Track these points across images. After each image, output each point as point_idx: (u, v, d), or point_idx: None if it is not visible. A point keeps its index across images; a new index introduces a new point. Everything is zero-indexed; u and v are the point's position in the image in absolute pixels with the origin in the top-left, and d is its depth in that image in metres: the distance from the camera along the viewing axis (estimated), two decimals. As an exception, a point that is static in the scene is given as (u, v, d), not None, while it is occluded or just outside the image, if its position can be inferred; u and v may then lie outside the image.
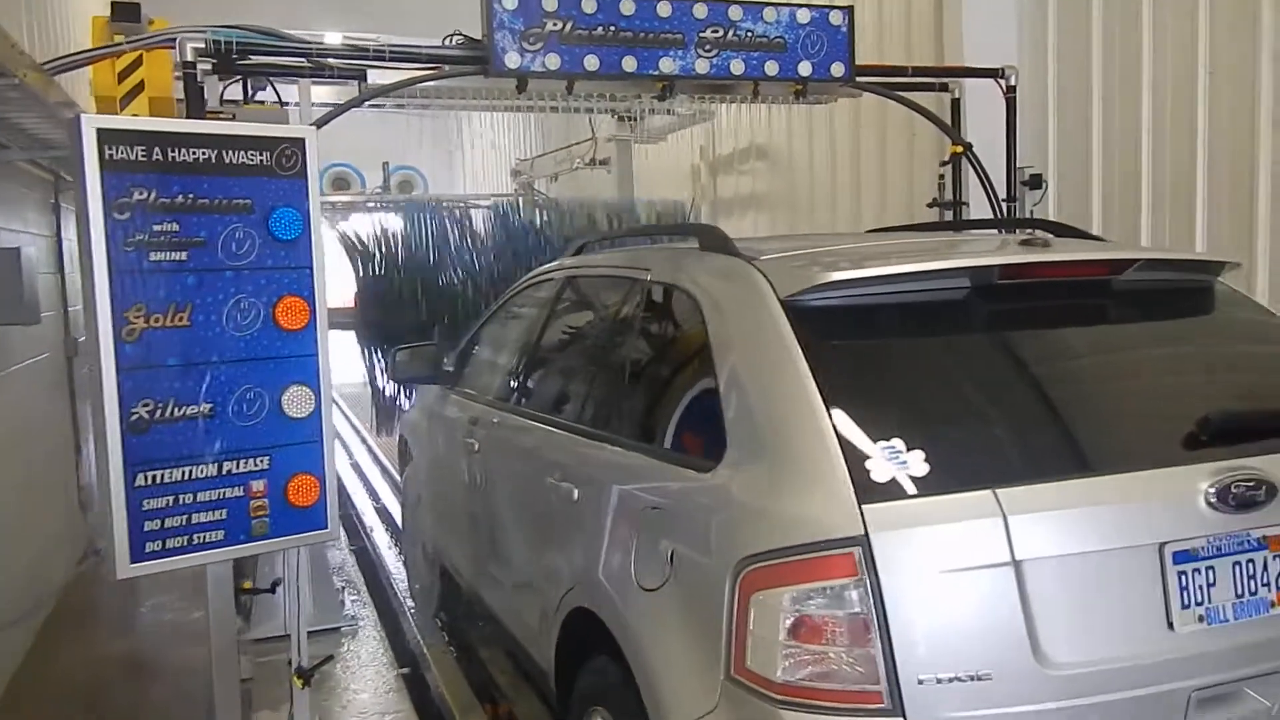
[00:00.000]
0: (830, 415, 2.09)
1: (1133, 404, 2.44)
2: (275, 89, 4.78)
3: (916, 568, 1.97)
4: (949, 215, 5.56)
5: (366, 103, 4.37)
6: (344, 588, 5.30)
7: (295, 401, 3.08)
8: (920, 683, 1.93)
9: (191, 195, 2.89)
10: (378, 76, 4.29)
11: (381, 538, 6.31)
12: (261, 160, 3.01)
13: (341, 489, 7.88)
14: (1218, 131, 4.72)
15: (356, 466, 8.86)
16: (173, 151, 2.86)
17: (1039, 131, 5.75)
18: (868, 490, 1.99)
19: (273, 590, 3.99)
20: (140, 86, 4.11)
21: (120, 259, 2.78)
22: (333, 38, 5.00)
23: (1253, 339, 2.77)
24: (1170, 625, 2.09)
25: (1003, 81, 5.34)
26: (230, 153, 2.95)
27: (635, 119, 8.78)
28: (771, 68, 4.45)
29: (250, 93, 5.05)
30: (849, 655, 1.95)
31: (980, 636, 1.97)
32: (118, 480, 2.81)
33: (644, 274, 3.02)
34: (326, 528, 3.17)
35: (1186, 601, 2.11)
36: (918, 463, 2.03)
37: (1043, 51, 5.78)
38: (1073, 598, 2.06)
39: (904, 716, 1.93)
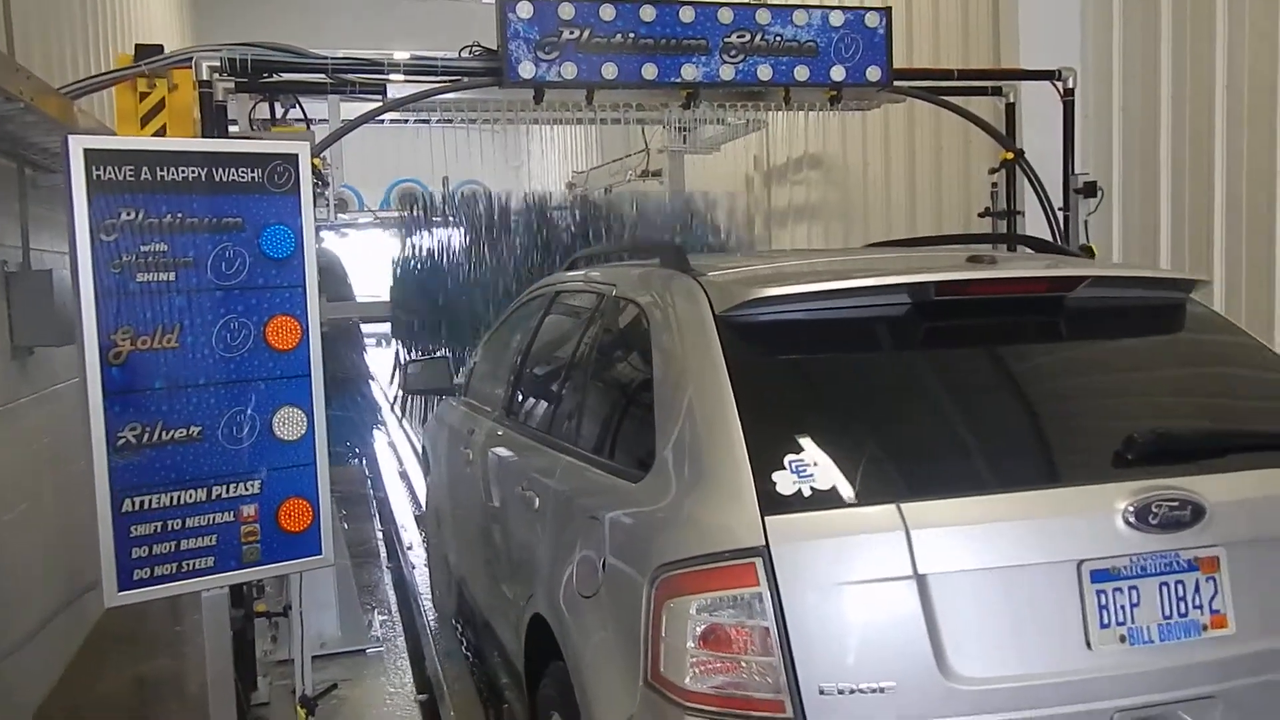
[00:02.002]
0: (744, 428, 2.11)
1: (1058, 422, 2.39)
2: (302, 107, 4.75)
3: (816, 579, 1.98)
4: (1002, 224, 5.29)
5: (384, 116, 4.31)
6: (374, 608, 5.22)
7: (287, 423, 3.01)
8: (822, 693, 1.94)
9: (180, 215, 2.84)
10: (397, 90, 4.22)
11: (418, 555, 6.23)
12: (253, 177, 2.95)
13: (384, 503, 7.86)
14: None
15: (405, 475, 8.81)
16: (162, 171, 2.81)
17: (1103, 139, 5.43)
18: (772, 502, 2.01)
19: (285, 614, 3.93)
20: (163, 131, 4.12)
21: (107, 280, 2.75)
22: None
23: (1208, 358, 2.70)
24: (1088, 644, 2.06)
25: (1060, 84, 5.04)
26: (220, 170, 2.90)
27: (687, 129, 8.62)
28: (802, 73, 4.25)
29: (283, 112, 5.05)
30: (751, 665, 1.97)
31: (882, 649, 1.97)
32: (104, 507, 2.77)
33: (610, 289, 3.07)
34: (320, 553, 3.10)
35: (1106, 621, 2.08)
36: (826, 476, 2.04)
37: (1108, 53, 5.46)
38: (983, 613, 2.04)
39: None
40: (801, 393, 2.31)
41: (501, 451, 3.57)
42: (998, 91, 5.25)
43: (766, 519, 1.99)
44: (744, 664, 1.97)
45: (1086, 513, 2.09)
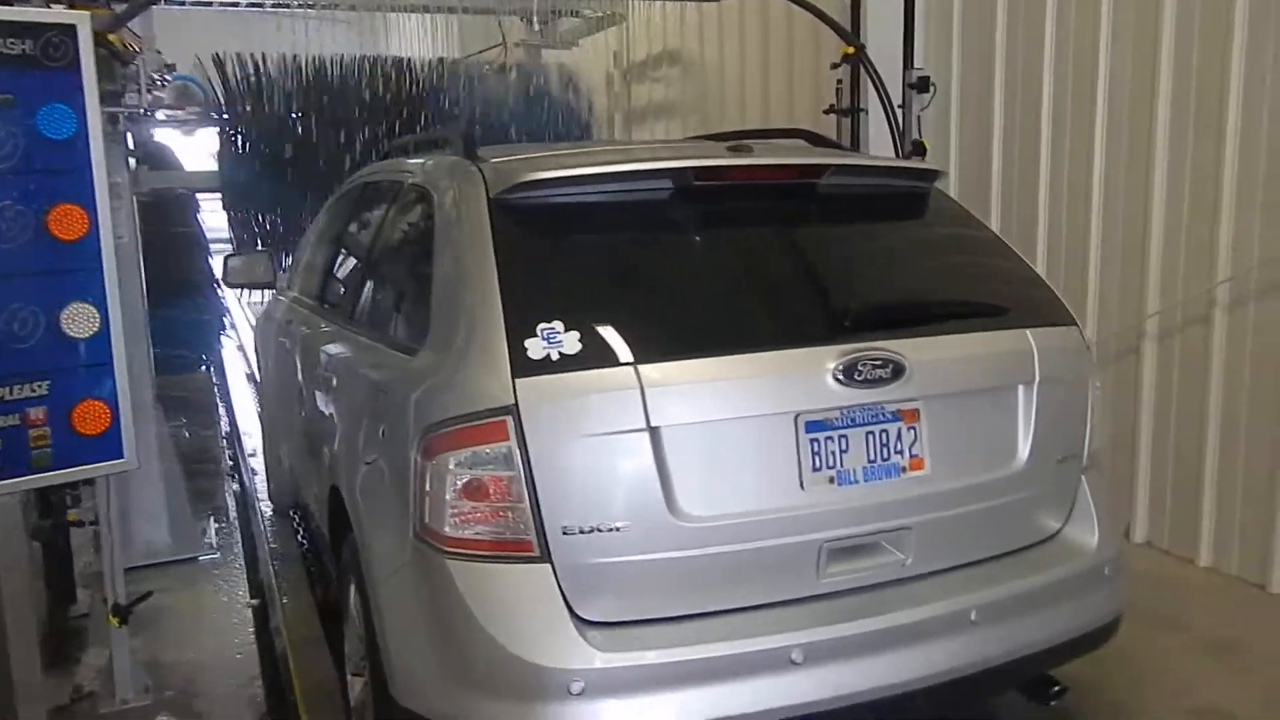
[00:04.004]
0: (503, 300, 2.26)
1: (790, 294, 2.58)
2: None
3: (560, 433, 2.17)
4: (847, 121, 5.31)
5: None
6: (210, 516, 5.06)
7: (77, 320, 2.81)
8: (564, 533, 2.16)
9: (-64, 88, 2.57)
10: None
11: (261, 461, 6.05)
12: (24, 49, 2.68)
13: (230, 409, 7.59)
14: (1122, 31, 4.49)
15: (252, 378, 8.51)
16: (-89, 38, 2.53)
17: (944, 38, 5.46)
18: (523, 366, 2.18)
19: (96, 522, 3.75)
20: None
21: None
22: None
23: (938, 240, 2.94)
24: (801, 486, 2.31)
25: (901, -22, 5.04)
26: (-17, 41, 2.62)
27: (544, 22, 8.37)
28: (641, -43, 4.12)
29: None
30: (502, 511, 2.18)
31: (618, 493, 2.19)
32: None
33: (408, 177, 3.19)
34: (123, 457, 2.94)
35: (818, 465, 2.32)
36: (573, 342, 2.21)
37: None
38: (709, 459, 2.26)
39: (551, 563, 2.17)
40: (561, 268, 2.45)
41: (311, 338, 3.68)
42: (844, -15, 5.22)
43: (516, 381, 2.16)
44: (496, 511, 2.18)
45: (802, 372, 2.32)
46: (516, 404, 2.15)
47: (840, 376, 2.31)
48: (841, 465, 2.35)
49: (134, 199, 4.80)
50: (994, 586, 2.46)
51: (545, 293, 2.32)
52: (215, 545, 4.69)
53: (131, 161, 4.71)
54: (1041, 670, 2.70)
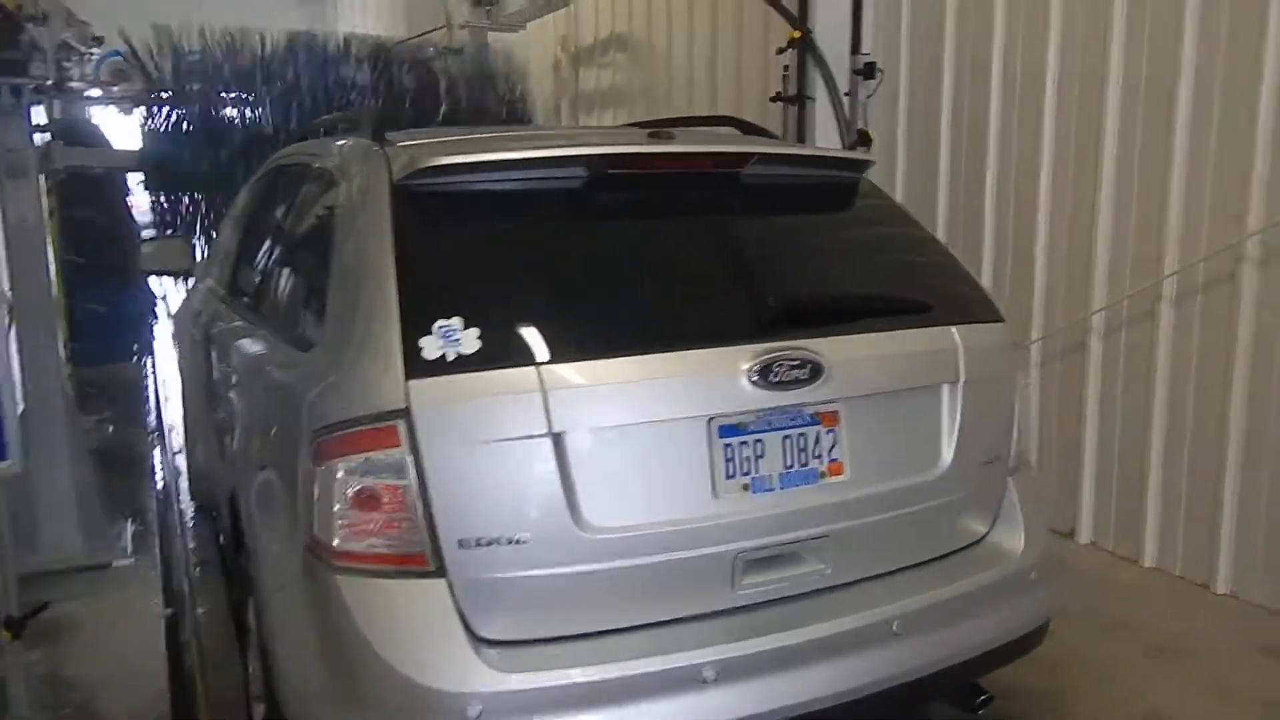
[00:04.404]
0: (400, 294, 2.11)
1: (704, 291, 2.44)
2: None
3: (456, 439, 2.03)
4: (794, 110, 5.17)
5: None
6: (129, 518, 4.82)
7: (-52, 312, 2.61)
8: (461, 546, 2.03)
9: None
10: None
11: (184, 458, 5.81)
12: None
13: (159, 401, 7.32)
14: (1073, 19, 4.39)
15: (184, 370, 8.24)
16: None
17: (893, 27, 5.33)
18: (417, 367, 2.03)
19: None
20: None
21: None
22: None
23: (865, 234, 2.82)
24: (714, 494, 2.19)
25: (849, -38, 4.90)
26: None
27: (489, 4, 8.18)
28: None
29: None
30: (394, 522, 2.04)
31: (519, 503, 2.06)
32: None
33: (315, 160, 3.06)
34: (6, 459, 2.75)
35: (731, 471, 2.21)
36: (471, 341, 2.06)
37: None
38: (617, 467, 2.14)
39: (447, 577, 2.03)
40: (463, 261, 2.29)
41: (219, 330, 3.55)
42: (791, -31, 5.07)
43: (410, 383, 2.02)
44: (388, 522, 2.04)
45: (716, 373, 2.19)
46: (409, 407, 2.01)
47: (755, 378, 2.19)
48: (757, 471, 2.23)
49: (42, 179, 4.56)
50: (917, 595, 2.37)
51: (446, 287, 2.18)
52: (131, 550, 4.47)
53: (39, 138, 4.47)
54: (968, 679, 2.60)
